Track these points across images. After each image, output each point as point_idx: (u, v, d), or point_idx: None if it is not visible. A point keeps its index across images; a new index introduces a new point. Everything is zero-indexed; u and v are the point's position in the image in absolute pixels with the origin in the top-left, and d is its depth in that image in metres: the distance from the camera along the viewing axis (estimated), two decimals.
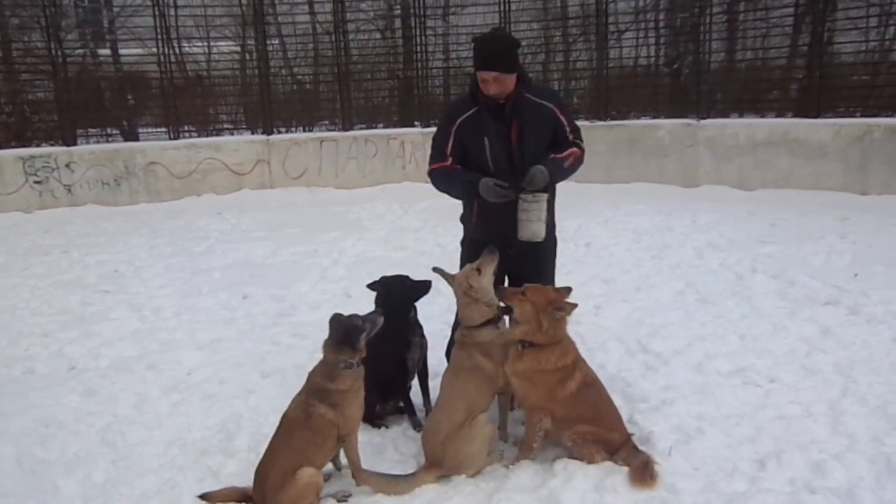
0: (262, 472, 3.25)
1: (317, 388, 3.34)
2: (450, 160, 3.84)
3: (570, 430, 3.47)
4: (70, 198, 11.53)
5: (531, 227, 3.69)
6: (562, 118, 3.85)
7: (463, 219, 4.11)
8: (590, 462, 3.41)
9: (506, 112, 3.74)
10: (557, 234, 4.11)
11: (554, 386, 3.45)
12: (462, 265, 4.06)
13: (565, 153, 3.80)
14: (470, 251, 4.01)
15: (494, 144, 3.76)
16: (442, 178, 3.91)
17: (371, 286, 4.11)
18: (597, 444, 3.43)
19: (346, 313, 3.52)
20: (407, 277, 4.10)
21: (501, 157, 3.77)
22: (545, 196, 3.68)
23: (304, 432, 3.26)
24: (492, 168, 3.77)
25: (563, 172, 3.82)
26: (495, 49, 3.66)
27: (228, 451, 3.84)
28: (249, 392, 4.56)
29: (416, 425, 4.01)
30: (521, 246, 3.80)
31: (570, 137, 3.87)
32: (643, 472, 3.30)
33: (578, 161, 3.87)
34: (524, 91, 3.75)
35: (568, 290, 3.57)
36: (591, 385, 3.55)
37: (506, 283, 3.95)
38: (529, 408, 3.56)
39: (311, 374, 3.45)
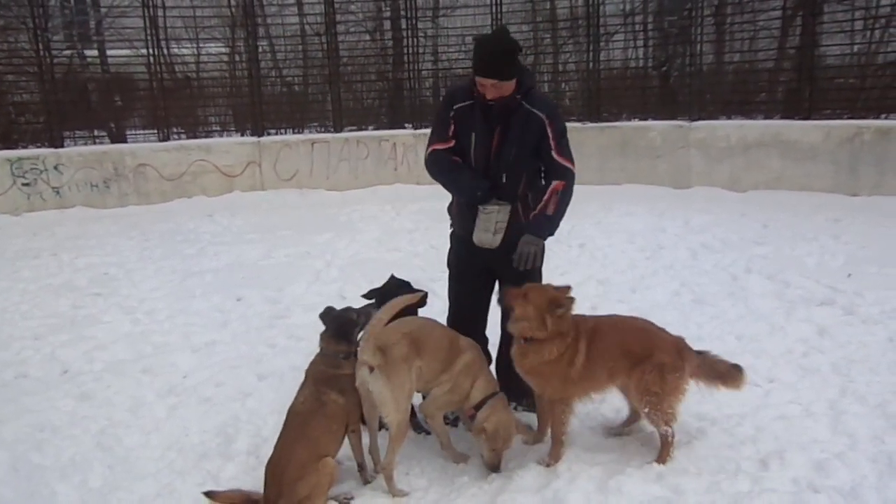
0: (276, 465, 3.23)
1: (324, 377, 3.40)
2: (452, 142, 3.83)
3: (628, 374, 3.56)
4: (58, 200, 11.39)
5: (480, 235, 3.81)
6: (549, 132, 3.73)
7: (449, 208, 4.16)
8: (671, 423, 3.52)
9: (493, 115, 3.72)
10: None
11: (564, 370, 3.49)
12: (449, 262, 4.15)
13: (545, 198, 3.73)
14: (456, 245, 4.10)
15: (479, 143, 3.78)
16: (445, 166, 3.85)
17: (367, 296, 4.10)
18: (662, 384, 3.50)
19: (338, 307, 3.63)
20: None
21: (482, 158, 3.79)
22: (496, 208, 3.73)
23: (319, 420, 3.28)
24: (472, 163, 3.81)
25: (556, 220, 3.76)
26: (495, 55, 3.57)
27: (227, 454, 3.80)
28: (246, 395, 4.53)
29: (417, 427, 3.96)
30: (504, 245, 3.81)
31: (554, 155, 3.75)
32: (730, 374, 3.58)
33: (565, 195, 3.76)
34: (520, 97, 3.70)
35: (567, 288, 3.59)
36: (604, 332, 3.59)
37: (495, 285, 4.00)
38: (549, 403, 3.59)
39: (311, 367, 3.51)
